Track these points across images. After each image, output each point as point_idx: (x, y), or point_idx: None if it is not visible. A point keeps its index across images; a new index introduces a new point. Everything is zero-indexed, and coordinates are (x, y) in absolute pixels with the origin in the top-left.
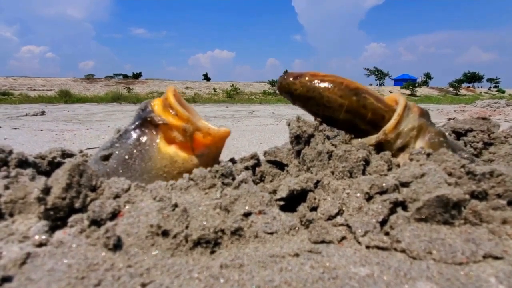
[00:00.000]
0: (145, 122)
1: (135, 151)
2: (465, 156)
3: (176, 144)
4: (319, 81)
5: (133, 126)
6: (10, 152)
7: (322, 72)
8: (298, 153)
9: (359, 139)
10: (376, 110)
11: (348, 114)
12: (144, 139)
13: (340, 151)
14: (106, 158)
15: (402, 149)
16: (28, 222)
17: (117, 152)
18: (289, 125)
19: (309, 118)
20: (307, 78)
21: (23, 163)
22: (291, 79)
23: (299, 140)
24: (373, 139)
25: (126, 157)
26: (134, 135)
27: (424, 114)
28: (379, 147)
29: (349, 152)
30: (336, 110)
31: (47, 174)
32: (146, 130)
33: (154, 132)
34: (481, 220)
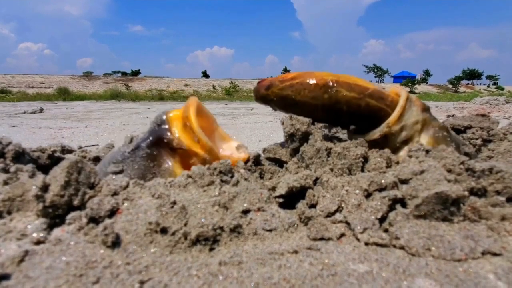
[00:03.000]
0: (161, 141)
1: (148, 174)
2: (469, 150)
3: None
4: (288, 87)
5: (147, 143)
6: (8, 144)
7: (291, 74)
8: (294, 151)
9: (361, 135)
10: (349, 101)
11: (324, 112)
12: (158, 160)
13: (339, 148)
14: (116, 174)
15: (406, 142)
16: (26, 219)
17: (129, 172)
18: (283, 123)
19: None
20: (277, 87)
21: (20, 155)
22: (263, 90)
23: (294, 138)
24: (376, 132)
25: (139, 179)
26: (147, 154)
27: (426, 108)
28: (383, 140)
29: (347, 149)
30: (312, 111)
31: (47, 167)
32: (162, 151)
33: (170, 154)
34: (480, 217)
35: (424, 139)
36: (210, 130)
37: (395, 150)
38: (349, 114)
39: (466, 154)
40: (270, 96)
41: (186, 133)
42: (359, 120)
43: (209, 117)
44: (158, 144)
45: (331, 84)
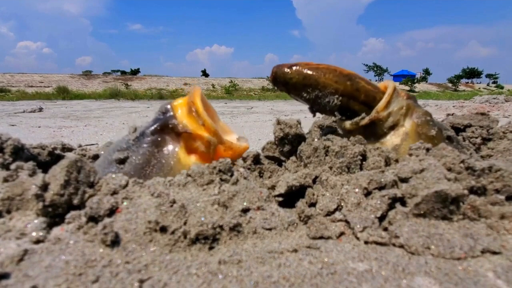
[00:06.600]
0: (166, 127)
1: (153, 159)
2: (451, 134)
3: (196, 154)
4: (314, 69)
5: (151, 130)
6: (7, 139)
7: (316, 62)
8: (288, 154)
9: (351, 120)
10: (368, 92)
11: (343, 98)
12: (163, 146)
13: (336, 147)
14: (121, 161)
15: (392, 127)
16: (26, 218)
17: (134, 158)
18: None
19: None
20: (303, 66)
21: (19, 150)
22: (286, 69)
23: (285, 141)
24: (366, 118)
25: (144, 165)
26: (152, 140)
27: (411, 97)
28: (372, 125)
29: (345, 147)
30: (331, 94)
31: (47, 164)
32: (166, 137)
33: (175, 140)
34: (479, 215)
35: (408, 123)
36: (213, 121)
37: (382, 136)
38: (363, 103)
39: (448, 138)
40: (293, 74)
41: (191, 118)
42: (368, 108)
43: (212, 110)
44: (163, 130)
45: (353, 76)
